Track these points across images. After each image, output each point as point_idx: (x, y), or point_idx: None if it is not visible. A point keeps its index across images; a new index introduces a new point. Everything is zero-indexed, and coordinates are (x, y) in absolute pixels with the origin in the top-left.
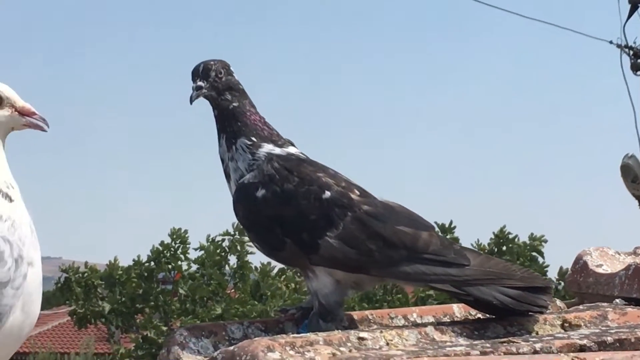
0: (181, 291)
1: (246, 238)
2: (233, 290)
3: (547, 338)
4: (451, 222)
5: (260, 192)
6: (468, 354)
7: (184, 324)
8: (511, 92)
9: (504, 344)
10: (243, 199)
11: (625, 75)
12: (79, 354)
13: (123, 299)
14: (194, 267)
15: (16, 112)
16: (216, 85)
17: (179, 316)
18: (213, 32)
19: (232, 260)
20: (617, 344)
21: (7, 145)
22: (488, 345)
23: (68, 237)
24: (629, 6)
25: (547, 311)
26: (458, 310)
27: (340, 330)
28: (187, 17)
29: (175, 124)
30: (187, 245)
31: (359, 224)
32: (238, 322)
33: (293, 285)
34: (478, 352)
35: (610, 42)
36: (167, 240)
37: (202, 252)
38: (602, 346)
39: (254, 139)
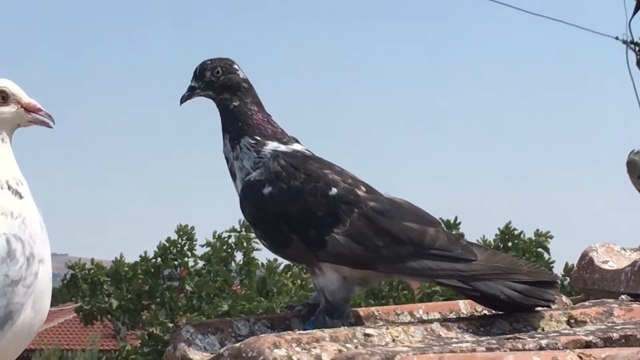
0: (188, 288)
1: (252, 235)
2: (239, 287)
3: (553, 334)
4: (456, 218)
5: (267, 189)
6: (474, 350)
7: (190, 321)
8: (515, 87)
9: (510, 340)
10: (250, 196)
11: (631, 71)
12: (85, 350)
13: (129, 295)
14: (201, 263)
15: (22, 109)
16: (213, 84)
17: (185, 313)
18: (220, 29)
19: (238, 256)
20: (623, 340)
21: (13, 142)
22: (494, 341)
23: (74, 234)
24: (634, 1)
25: (553, 306)
26: (464, 306)
27: (346, 327)
28: (189, 16)
29: (182, 121)
30: (194, 242)
31: (366, 220)
32: (244, 318)
33: (299, 282)
34: (484, 349)
35: (616, 38)
36: (174, 236)
37: (209, 248)
38: (608, 342)
39: (257, 137)
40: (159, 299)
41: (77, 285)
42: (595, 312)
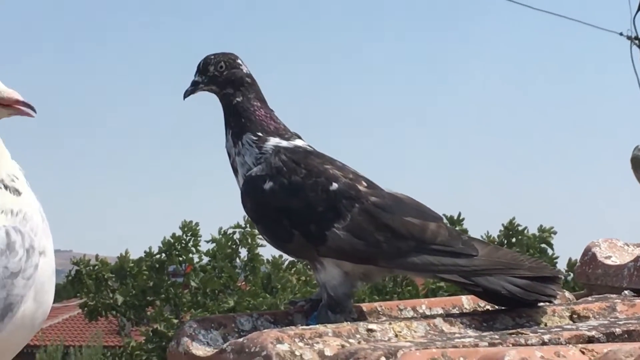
0: (193, 284)
1: (257, 231)
2: (244, 283)
3: (556, 329)
4: (459, 214)
5: (268, 185)
6: (476, 345)
7: (194, 317)
8: (519, 83)
9: (513, 335)
10: (251, 192)
11: (635, 67)
12: (90, 346)
13: (134, 291)
14: (205, 259)
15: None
16: (217, 79)
17: (189, 309)
18: (224, 23)
19: (243, 252)
20: (626, 335)
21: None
22: (496, 336)
23: (78, 230)
24: None
25: (556, 302)
26: (467, 301)
27: (349, 322)
28: (193, 12)
29: (187, 117)
30: (198, 238)
31: (367, 215)
32: (247, 314)
33: (304, 278)
34: (486, 344)
35: (621, 34)
36: (179, 232)
37: (214, 244)
38: (611, 337)
39: (259, 134)
40: (163, 295)
41: (81, 281)
42: (598, 307)
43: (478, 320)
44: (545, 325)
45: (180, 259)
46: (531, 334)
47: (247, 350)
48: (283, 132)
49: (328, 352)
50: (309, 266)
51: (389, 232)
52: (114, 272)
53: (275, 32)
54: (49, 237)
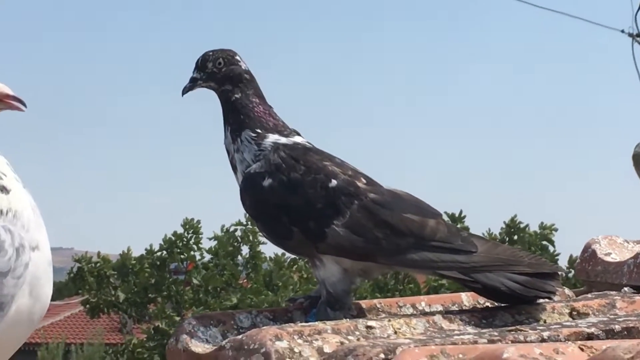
0: (195, 281)
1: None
2: (245, 281)
3: (555, 326)
4: (461, 212)
5: (267, 182)
6: (476, 342)
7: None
8: (520, 81)
9: (512, 332)
10: (250, 189)
11: (636, 64)
12: (92, 344)
13: (136, 288)
14: (207, 257)
15: None
16: (215, 76)
17: (191, 306)
18: (224, 18)
19: (244, 250)
20: (625, 332)
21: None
22: (496, 333)
23: (80, 228)
24: None
25: (556, 299)
26: (467, 298)
27: (348, 319)
28: (194, 6)
29: (188, 114)
30: (200, 236)
31: (366, 212)
32: (246, 311)
33: (305, 275)
34: (486, 341)
35: (622, 31)
36: (180, 230)
37: (216, 242)
38: (610, 334)
39: (258, 130)
40: (165, 293)
41: (83, 278)
42: (597, 304)
43: (477, 317)
44: (545, 322)
45: (182, 256)
46: (530, 331)
47: (246, 347)
48: (282, 129)
49: (327, 349)
50: (309, 263)
51: (388, 229)
52: (116, 270)
53: (276, 29)
54: (43, 229)
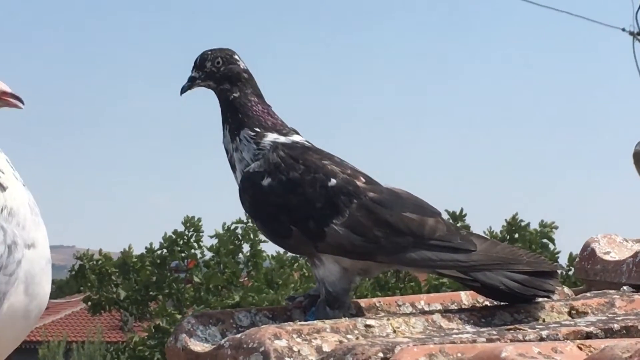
0: (196, 279)
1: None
2: (246, 279)
3: (554, 325)
4: (462, 210)
5: (266, 181)
6: (474, 341)
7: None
8: (521, 79)
9: (511, 331)
10: (249, 188)
11: (637, 63)
12: (92, 342)
13: (137, 286)
14: (208, 255)
15: None
16: (213, 75)
17: (192, 304)
18: (223, 17)
19: (245, 248)
20: (624, 331)
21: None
22: (495, 332)
23: (81, 226)
24: None
25: (555, 297)
26: (466, 297)
27: (347, 318)
28: (195, 5)
29: (189, 112)
30: (201, 234)
31: (365, 211)
32: (246, 309)
33: (307, 273)
34: (484, 339)
35: (623, 30)
36: (181, 228)
37: (217, 240)
38: (609, 333)
39: (257, 129)
40: (166, 291)
41: (85, 275)
42: (596, 303)
43: (476, 316)
44: (544, 321)
45: (183, 254)
46: (529, 330)
47: (245, 346)
48: (281, 128)
49: (326, 348)
50: (308, 262)
51: (387, 228)
52: (117, 268)
53: (278, 27)
54: (40, 227)
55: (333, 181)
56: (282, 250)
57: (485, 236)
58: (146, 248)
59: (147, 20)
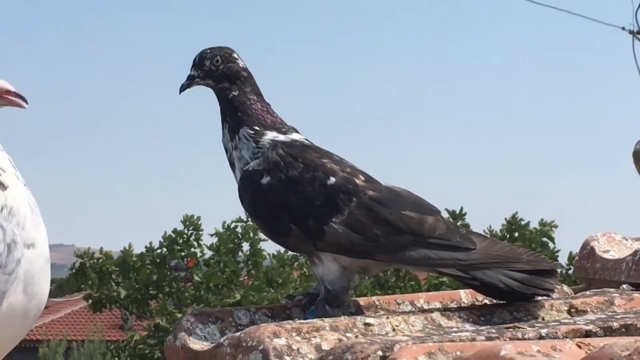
0: (196, 278)
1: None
2: (246, 278)
3: (553, 323)
4: (462, 209)
5: (265, 179)
6: (474, 339)
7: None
8: (520, 77)
9: (510, 329)
10: (248, 186)
11: (637, 61)
12: (92, 341)
13: (137, 285)
14: (208, 253)
15: None
16: (212, 73)
17: (192, 303)
18: (224, 16)
19: (245, 247)
20: (623, 330)
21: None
22: (494, 330)
23: (81, 225)
24: None
25: (554, 296)
26: (465, 295)
27: (346, 316)
28: (199, 7)
29: (188, 111)
30: (200, 232)
31: (364, 209)
32: (245, 308)
33: (307, 272)
34: (484, 338)
35: (623, 29)
36: (180, 227)
37: (216, 238)
38: (608, 332)
39: (256, 127)
40: (167, 289)
41: (85, 274)
42: (596, 301)
43: (476, 315)
44: (543, 319)
45: (183, 253)
46: (528, 328)
47: (244, 344)
48: (280, 126)
49: (325, 346)
50: (308, 260)
51: (386, 226)
52: (118, 266)
53: (278, 27)
54: (40, 228)
55: (332, 179)
56: (282, 249)
57: (485, 235)
58: (146, 247)
59: (147, 20)
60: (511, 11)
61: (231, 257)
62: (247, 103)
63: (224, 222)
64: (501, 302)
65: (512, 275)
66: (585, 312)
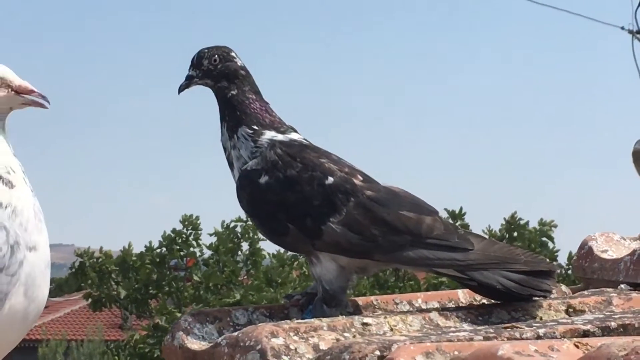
0: (195, 278)
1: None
2: (245, 277)
3: (551, 323)
4: (461, 209)
5: (264, 179)
6: (471, 339)
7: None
8: (520, 76)
9: (507, 329)
10: (246, 186)
11: (636, 61)
12: (92, 340)
13: (137, 285)
14: (207, 253)
15: (12, 92)
16: (211, 73)
17: (191, 302)
18: (223, 15)
19: (244, 246)
20: (621, 329)
21: (11, 126)
22: (491, 330)
23: (80, 224)
24: None
25: (552, 296)
26: (463, 295)
27: (344, 316)
28: (198, 7)
29: (188, 111)
30: (199, 232)
31: (362, 209)
32: (243, 307)
33: (306, 272)
34: (481, 338)
35: (622, 28)
36: (179, 227)
37: (216, 238)
38: (606, 331)
39: (255, 127)
40: (166, 289)
41: (85, 273)
42: (594, 301)
43: (474, 314)
44: (541, 319)
45: (182, 253)
46: (526, 328)
47: (241, 344)
48: (278, 125)
49: (323, 346)
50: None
51: (384, 226)
52: (117, 266)
53: (278, 27)
54: (42, 232)
55: (330, 179)
56: (282, 249)
57: (484, 235)
58: (145, 246)
59: (147, 20)
60: (511, 11)
61: (230, 256)
62: (246, 102)
63: (223, 221)
64: (499, 301)
65: (509, 276)
66: (583, 311)
